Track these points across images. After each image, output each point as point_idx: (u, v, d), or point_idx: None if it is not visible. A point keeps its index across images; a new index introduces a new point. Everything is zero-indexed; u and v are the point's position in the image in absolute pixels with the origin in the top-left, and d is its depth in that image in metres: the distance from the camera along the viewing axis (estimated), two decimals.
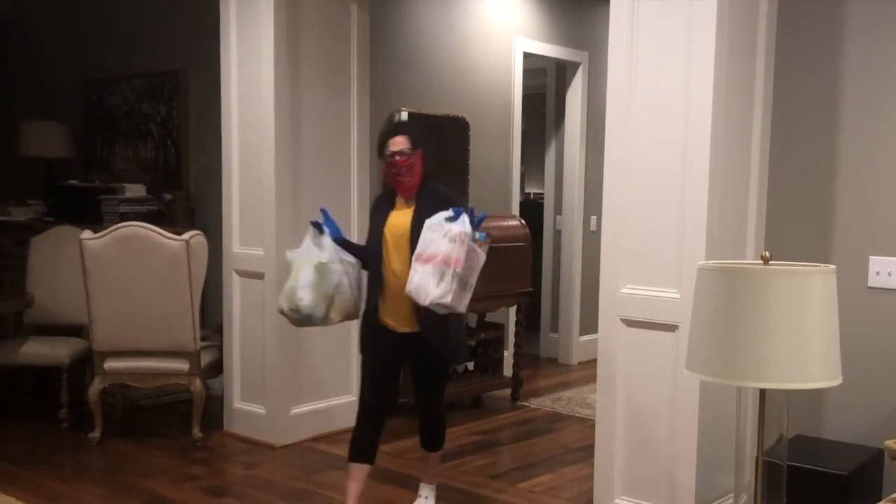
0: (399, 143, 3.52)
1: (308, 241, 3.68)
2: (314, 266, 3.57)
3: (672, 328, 3.46)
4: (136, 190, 5.82)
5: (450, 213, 3.33)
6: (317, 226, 3.68)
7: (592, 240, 6.97)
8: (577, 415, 5.66)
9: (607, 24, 3.61)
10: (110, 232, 4.68)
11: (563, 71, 7.30)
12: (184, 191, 5.89)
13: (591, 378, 5.35)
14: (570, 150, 7.25)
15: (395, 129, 3.66)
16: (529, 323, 6.52)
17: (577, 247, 7.21)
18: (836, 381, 2.21)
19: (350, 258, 3.67)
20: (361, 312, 3.70)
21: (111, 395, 5.28)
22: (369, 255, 3.65)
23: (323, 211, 3.73)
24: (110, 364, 4.76)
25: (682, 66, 3.40)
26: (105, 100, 6.44)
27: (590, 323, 6.65)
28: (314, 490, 4.21)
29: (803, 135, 3.77)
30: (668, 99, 3.44)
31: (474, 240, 3.31)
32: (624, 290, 3.60)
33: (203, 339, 4.99)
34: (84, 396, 4.95)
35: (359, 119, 5.16)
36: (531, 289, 6.02)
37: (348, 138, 5.13)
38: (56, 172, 6.48)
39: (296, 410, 4.91)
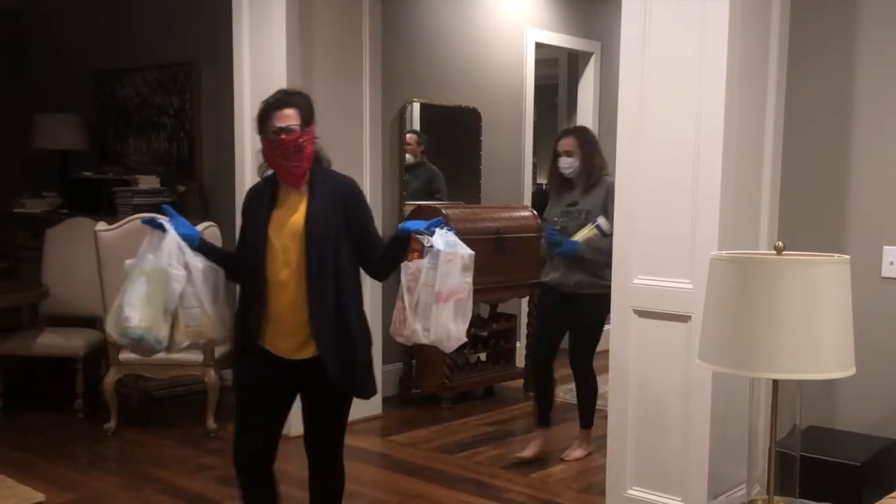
0: (287, 116, 2.83)
1: (144, 245, 2.95)
2: (145, 274, 2.85)
3: (685, 319, 3.45)
4: (149, 182, 5.84)
5: (445, 231, 2.87)
6: (154, 224, 2.94)
7: None
8: None
9: (620, 13, 3.60)
10: (124, 224, 4.71)
11: (575, 61, 7.29)
12: (197, 182, 5.91)
13: (603, 369, 5.35)
14: None
15: (282, 99, 2.90)
16: None
17: None
18: (850, 372, 2.20)
19: (200, 262, 2.95)
20: (225, 335, 3.11)
21: (126, 385, 5.32)
22: (241, 263, 2.96)
23: (165, 208, 3.06)
24: (125, 355, 4.79)
25: (695, 57, 3.38)
26: (118, 92, 6.46)
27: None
28: None
29: (817, 124, 3.75)
30: (680, 88, 3.43)
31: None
32: (636, 281, 3.60)
33: None
34: (99, 387, 4.99)
35: (370, 110, 5.16)
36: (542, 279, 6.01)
37: (360, 129, 5.13)
38: (70, 164, 6.51)
39: None
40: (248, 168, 4.97)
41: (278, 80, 4.73)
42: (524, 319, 6.22)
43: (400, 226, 2.96)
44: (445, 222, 2.93)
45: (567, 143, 4.45)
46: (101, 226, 4.74)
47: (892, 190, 3.58)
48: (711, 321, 2.26)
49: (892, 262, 3.58)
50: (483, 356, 5.94)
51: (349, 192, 2.95)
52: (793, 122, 3.74)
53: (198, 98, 5.96)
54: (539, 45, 6.80)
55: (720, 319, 2.23)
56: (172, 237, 2.90)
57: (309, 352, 2.86)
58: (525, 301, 6.22)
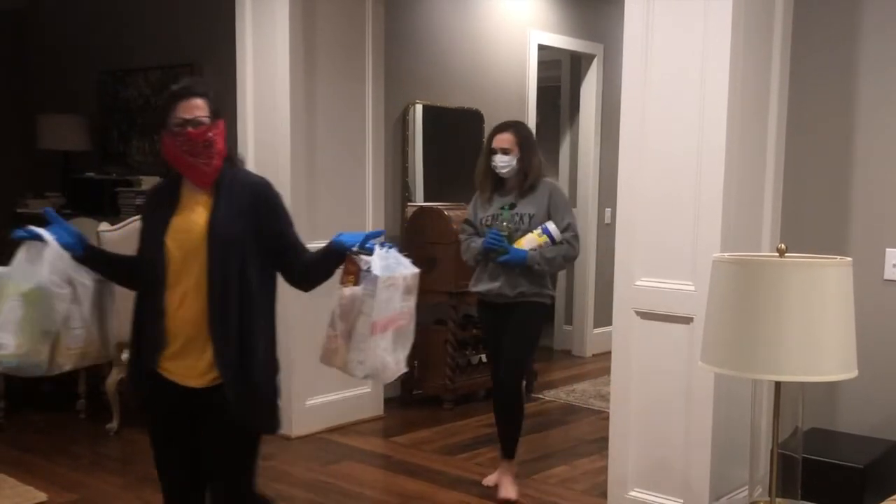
0: (195, 107, 2.49)
1: (19, 257, 2.52)
2: (21, 294, 2.44)
3: (687, 320, 3.45)
4: (152, 182, 5.83)
5: (385, 251, 2.51)
6: (31, 236, 2.53)
7: (607, 232, 6.95)
8: (591, 407, 5.66)
9: (622, 16, 3.61)
10: (127, 224, 4.71)
11: (577, 63, 7.29)
12: None
13: (605, 370, 5.35)
14: (584, 143, 7.24)
15: (189, 87, 2.54)
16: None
17: (591, 239, 7.20)
18: (852, 374, 2.20)
19: (87, 277, 2.55)
20: (113, 354, 2.83)
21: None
22: (137, 272, 2.59)
23: (47, 211, 2.64)
24: (127, 355, 4.78)
25: (698, 59, 3.38)
26: (121, 92, 6.46)
27: (604, 315, 6.64)
28: (329, 481, 4.24)
29: (819, 126, 3.75)
30: (683, 90, 3.43)
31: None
32: (639, 283, 3.60)
33: None
34: (101, 388, 4.99)
35: (373, 111, 5.17)
36: None
37: (363, 131, 5.14)
38: (73, 165, 6.52)
39: (311, 402, 4.93)
40: (250, 169, 4.96)
41: (281, 80, 4.75)
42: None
43: (334, 238, 2.58)
44: (386, 242, 2.57)
45: (504, 140, 3.99)
46: (104, 226, 4.74)
47: (894, 192, 3.58)
48: (714, 323, 2.26)
49: (894, 265, 3.58)
50: (484, 358, 5.93)
51: (262, 193, 2.58)
52: (795, 124, 3.74)
53: None
54: (542, 47, 6.80)
55: (722, 321, 2.23)
56: (53, 249, 2.48)
57: (208, 378, 2.49)
58: None
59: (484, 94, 6.37)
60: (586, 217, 7.20)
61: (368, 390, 5.26)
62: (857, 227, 3.67)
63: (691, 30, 3.40)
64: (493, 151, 4.01)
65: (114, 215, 5.46)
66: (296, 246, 2.63)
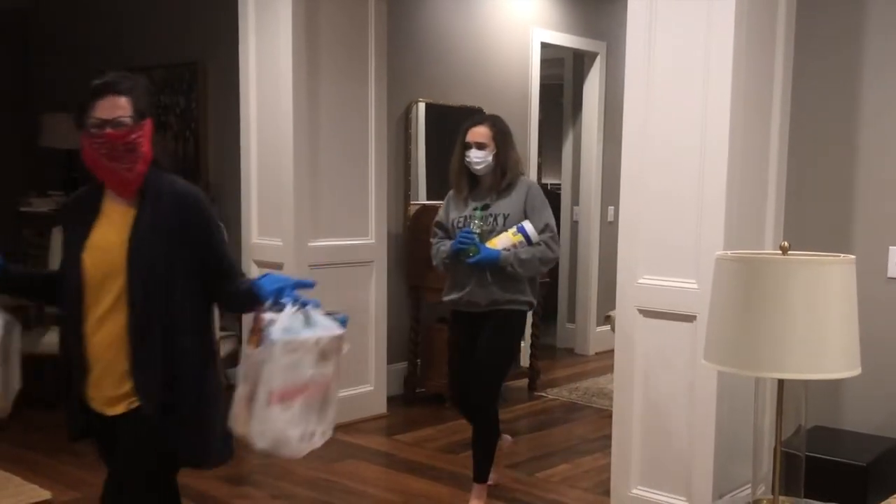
0: (116, 106, 2.24)
1: None
2: None
3: (690, 318, 3.45)
4: None
5: (295, 311, 2.18)
6: None
7: (609, 230, 6.96)
8: (594, 405, 5.66)
9: (625, 13, 3.61)
10: None
11: (580, 61, 7.29)
12: (203, 182, 5.92)
13: (608, 368, 5.36)
14: (587, 141, 7.24)
15: (110, 84, 2.28)
16: (546, 313, 6.52)
17: (594, 237, 7.20)
18: (855, 372, 2.20)
19: None
20: (9, 403, 2.56)
21: None
22: (58, 289, 2.36)
23: None
24: None
25: (701, 56, 3.38)
26: None
27: (607, 313, 6.64)
28: (332, 479, 4.24)
29: (822, 123, 3.75)
30: (686, 88, 3.43)
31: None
32: (641, 281, 3.60)
33: (222, 328, 5.02)
34: None
35: (376, 110, 5.17)
36: (548, 279, 6.03)
37: (366, 129, 5.14)
38: (76, 164, 6.52)
39: None
40: (254, 169, 5.00)
41: (284, 79, 4.75)
42: (529, 319, 6.22)
43: (256, 280, 2.29)
44: (292, 292, 2.21)
45: (480, 133, 3.72)
46: None
47: None
48: (717, 321, 2.26)
49: None
50: None
51: (191, 205, 2.32)
52: (798, 121, 3.74)
53: (204, 98, 5.97)
54: (544, 45, 6.80)
55: (725, 319, 2.23)
56: None
57: (130, 404, 2.29)
58: None
59: (487, 93, 6.37)
60: (589, 215, 7.20)
61: (371, 389, 5.27)
62: (861, 225, 3.67)
63: (694, 27, 3.40)
64: (467, 146, 3.74)
65: None
66: (225, 268, 2.37)
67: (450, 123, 6.16)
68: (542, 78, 6.85)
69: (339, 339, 2.24)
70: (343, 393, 5.06)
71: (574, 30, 6.99)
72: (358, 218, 5.12)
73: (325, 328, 2.21)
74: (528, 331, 6.21)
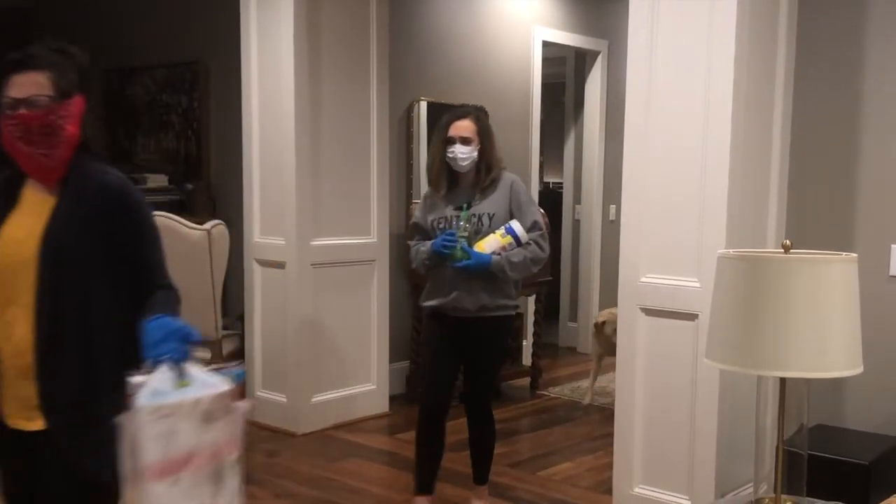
0: (31, 84, 1.99)
1: None
2: None
3: (692, 317, 3.45)
4: (157, 180, 5.87)
5: (166, 369, 1.85)
6: None
7: (611, 229, 6.95)
8: (596, 403, 5.66)
9: (627, 12, 3.60)
10: None
11: (582, 59, 7.28)
12: (205, 181, 5.93)
13: (610, 367, 5.36)
14: (589, 140, 7.24)
15: (24, 60, 2.02)
16: (548, 312, 6.52)
17: (595, 236, 7.20)
18: (857, 370, 2.20)
19: None
20: None
21: None
22: None
23: None
24: None
25: (703, 54, 3.38)
26: (127, 90, 6.48)
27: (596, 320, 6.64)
28: (335, 478, 4.25)
29: (825, 122, 3.74)
30: (688, 86, 3.43)
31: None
32: (644, 279, 3.60)
33: (225, 327, 5.02)
34: None
35: (378, 109, 5.17)
36: (550, 278, 6.02)
37: (367, 128, 5.14)
38: None
39: (317, 399, 4.94)
40: (255, 168, 5.00)
41: (286, 78, 4.75)
42: (531, 318, 6.23)
43: (148, 323, 1.96)
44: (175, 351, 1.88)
45: (464, 127, 3.47)
46: None
47: None
48: (719, 319, 2.26)
49: None
50: None
51: (117, 197, 2.08)
52: (800, 119, 3.74)
53: (206, 97, 5.98)
54: (546, 44, 6.79)
55: (728, 318, 2.23)
56: None
57: (40, 422, 2.03)
58: (532, 300, 6.22)
59: (488, 91, 6.37)
60: (591, 214, 7.21)
61: (373, 387, 5.27)
62: (863, 223, 3.67)
63: (696, 26, 3.40)
64: (449, 141, 3.48)
65: None
66: (154, 269, 2.15)
67: None
68: (544, 76, 6.84)
69: (225, 398, 1.90)
70: (345, 392, 5.08)
71: (576, 28, 6.99)
72: (360, 217, 5.13)
73: (207, 386, 1.89)
74: (529, 329, 6.22)
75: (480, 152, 3.50)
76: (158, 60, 6.22)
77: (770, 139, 3.64)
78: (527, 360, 6.19)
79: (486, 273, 3.42)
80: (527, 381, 6.06)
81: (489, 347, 3.61)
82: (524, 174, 6.75)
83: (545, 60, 6.84)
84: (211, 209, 5.80)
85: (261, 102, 4.93)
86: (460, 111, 3.60)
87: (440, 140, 3.53)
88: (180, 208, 5.62)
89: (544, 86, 6.87)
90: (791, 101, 3.70)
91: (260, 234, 5.01)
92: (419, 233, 3.62)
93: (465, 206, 3.47)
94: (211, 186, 5.93)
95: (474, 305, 3.48)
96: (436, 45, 6.04)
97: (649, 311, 3.60)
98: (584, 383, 6.20)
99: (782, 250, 2.26)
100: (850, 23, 3.65)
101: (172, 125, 6.21)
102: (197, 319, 4.75)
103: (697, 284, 3.43)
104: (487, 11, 6.37)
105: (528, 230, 3.47)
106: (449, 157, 3.49)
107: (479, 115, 3.59)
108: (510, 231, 3.42)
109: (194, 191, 5.82)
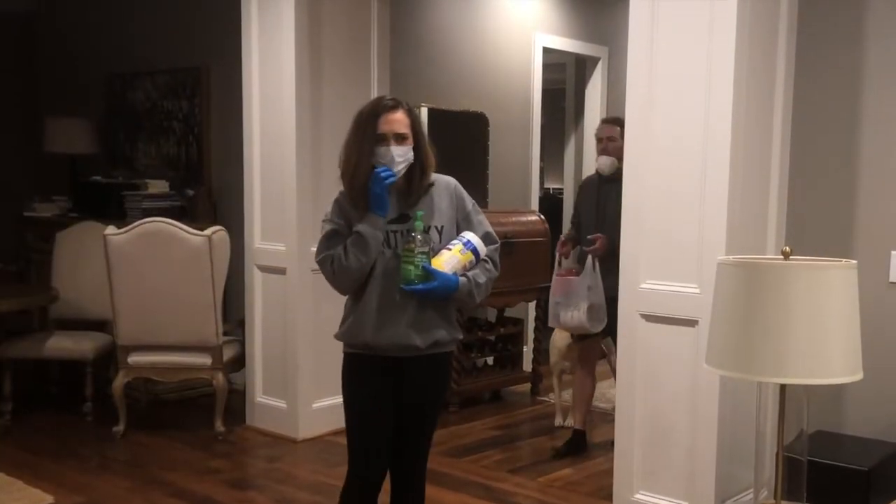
0: None
1: None
2: None
3: (692, 323, 3.46)
4: (158, 186, 5.87)
5: None
6: None
7: None
8: (597, 409, 5.65)
9: (627, 18, 3.61)
10: (134, 227, 4.73)
11: (582, 66, 7.30)
12: (206, 186, 5.93)
13: (605, 375, 5.36)
14: (589, 146, 7.23)
15: None
16: (548, 318, 6.51)
17: None
18: (857, 377, 2.21)
19: None
20: None
21: (135, 388, 5.34)
22: None
23: None
24: (134, 358, 4.81)
25: (703, 61, 3.39)
26: (128, 96, 6.49)
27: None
28: (335, 483, 4.23)
29: (824, 129, 3.75)
30: (688, 93, 3.44)
31: None
32: (644, 285, 3.61)
33: (225, 333, 5.03)
34: (108, 390, 5.01)
35: None
36: (550, 284, 6.02)
37: None
38: (80, 168, 6.54)
39: (317, 404, 4.94)
40: (256, 172, 5.00)
41: (287, 84, 4.76)
42: (531, 324, 6.23)
43: None
44: None
45: (399, 121, 2.75)
46: (111, 229, 4.77)
47: None
48: (719, 326, 2.27)
49: None
50: (490, 360, 5.94)
51: None
52: (800, 126, 3.75)
53: (207, 102, 5.99)
54: (547, 50, 6.81)
55: (728, 324, 2.24)
56: None
57: None
58: (532, 305, 6.22)
59: (489, 97, 6.38)
60: None
61: None
62: (863, 230, 3.67)
63: (696, 33, 3.41)
64: (380, 139, 2.73)
65: (120, 219, 5.48)
66: None
67: (452, 128, 6.19)
68: (545, 82, 6.86)
69: None
70: None
71: (576, 34, 7.00)
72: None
73: None
74: (530, 335, 6.22)
75: (415, 152, 2.79)
76: (160, 66, 6.23)
77: (770, 145, 3.65)
78: (527, 365, 6.19)
79: (441, 299, 2.77)
80: (527, 386, 6.06)
81: (436, 395, 2.92)
82: (524, 180, 6.77)
83: (546, 66, 6.85)
84: (212, 215, 5.80)
85: (262, 108, 4.94)
86: (388, 100, 2.81)
87: (366, 137, 2.75)
88: (181, 214, 5.63)
89: (545, 92, 6.89)
90: (791, 107, 3.71)
91: (261, 240, 5.02)
92: (339, 240, 2.79)
93: (418, 214, 2.75)
94: (212, 192, 5.94)
95: (425, 341, 2.77)
96: (437, 51, 6.05)
97: (649, 318, 3.60)
98: None
99: (782, 257, 2.26)
100: (851, 26, 3.66)
101: (173, 131, 6.22)
102: (197, 325, 4.76)
103: (697, 291, 3.43)
104: (488, 18, 6.39)
105: (484, 242, 2.86)
106: (379, 160, 2.73)
107: (410, 106, 2.84)
108: (470, 247, 2.80)
109: (195, 196, 5.83)
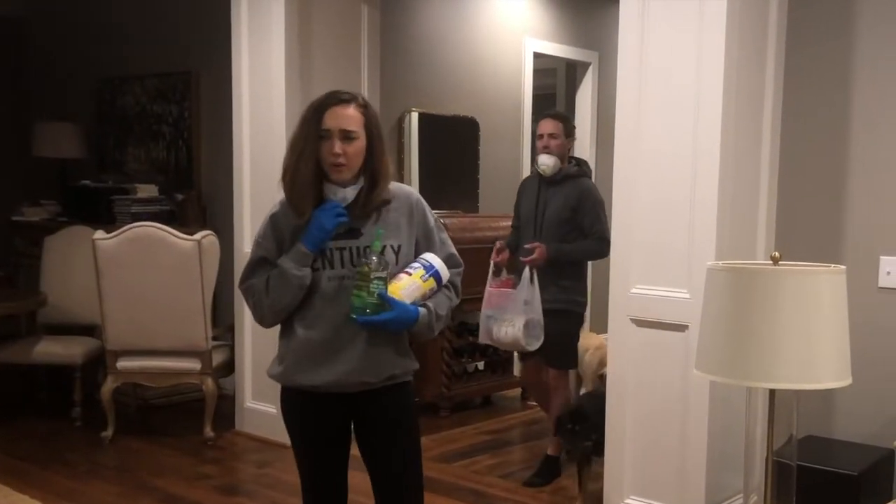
0: None
1: None
2: None
3: (682, 328, 3.46)
4: (148, 190, 5.85)
5: None
6: None
7: None
8: None
9: (617, 23, 3.62)
10: (123, 232, 4.72)
11: (573, 71, 7.32)
12: (195, 191, 5.92)
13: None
14: (579, 151, 7.22)
15: None
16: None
17: None
18: (846, 382, 2.21)
19: None
20: None
21: (124, 394, 5.31)
22: None
23: None
24: (123, 363, 4.79)
25: (693, 66, 3.40)
26: (118, 100, 6.47)
27: (599, 323, 6.64)
28: None
29: (813, 134, 3.76)
30: (678, 98, 3.45)
31: None
32: (634, 290, 3.61)
33: (215, 338, 5.01)
34: (97, 395, 4.99)
35: None
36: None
37: None
38: (69, 173, 6.52)
39: None
40: (246, 177, 4.99)
41: (277, 89, 4.75)
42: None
43: None
44: None
45: (349, 117, 2.38)
46: (100, 234, 4.75)
47: (889, 200, 3.60)
48: (709, 331, 2.27)
49: (888, 273, 3.59)
50: (481, 365, 5.93)
51: None
52: (790, 131, 3.76)
53: (197, 107, 5.98)
54: (537, 55, 6.82)
55: (717, 329, 2.24)
56: None
57: None
58: None
59: (479, 102, 6.39)
60: None
61: None
62: (852, 235, 3.68)
63: (686, 38, 3.41)
64: (325, 135, 2.37)
65: (110, 223, 5.46)
66: None
67: (443, 133, 6.20)
68: (535, 87, 6.87)
69: None
70: None
71: (566, 40, 7.02)
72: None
73: None
74: None
75: (368, 156, 2.42)
76: (149, 70, 6.21)
77: (759, 150, 3.66)
78: (517, 370, 6.19)
79: (397, 332, 2.43)
80: (517, 391, 6.06)
81: (405, 434, 2.54)
82: (515, 185, 6.75)
83: (536, 71, 6.87)
84: (201, 219, 5.79)
85: (251, 112, 4.93)
86: (342, 94, 2.43)
87: (308, 134, 2.40)
88: (170, 218, 5.61)
89: (535, 97, 6.90)
90: (780, 112, 3.72)
91: (250, 245, 5.00)
92: (269, 266, 2.46)
93: (378, 233, 2.38)
94: (201, 196, 5.92)
95: (379, 375, 2.43)
96: (427, 57, 6.06)
97: (639, 322, 3.60)
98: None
99: (771, 262, 2.27)
100: (839, 36, 3.67)
101: (163, 135, 6.20)
102: (187, 330, 4.75)
103: (687, 296, 3.43)
104: (479, 23, 6.40)
105: (447, 267, 2.50)
106: (332, 161, 2.36)
107: (369, 104, 2.49)
108: (432, 271, 2.43)
109: (185, 201, 5.81)
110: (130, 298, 4.71)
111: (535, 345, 4.16)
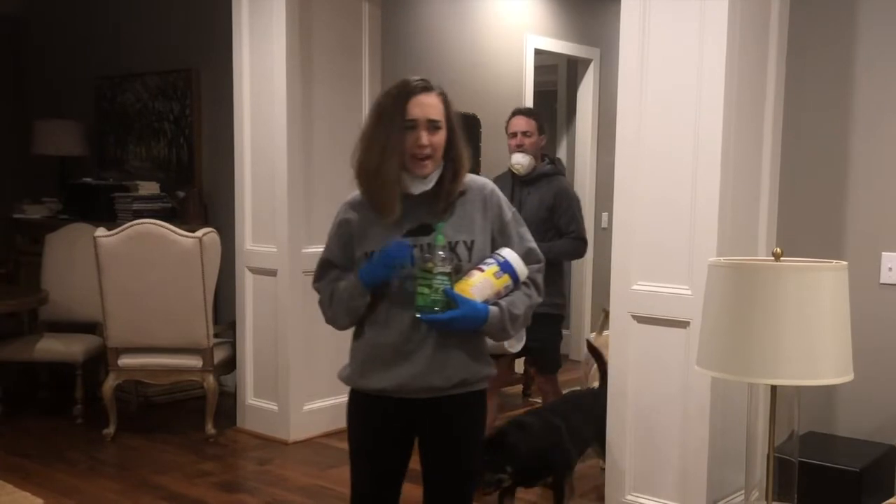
0: None
1: None
2: None
3: (683, 324, 3.46)
4: (149, 187, 5.85)
5: None
6: None
7: (603, 236, 6.96)
8: None
9: (619, 20, 3.61)
10: (124, 229, 4.71)
11: (574, 67, 7.30)
12: (197, 188, 5.91)
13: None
14: (581, 147, 7.25)
15: None
16: None
17: (588, 243, 7.19)
18: (848, 378, 2.21)
19: None
20: None
21: (125, 391, 5.32)
22: None
23: None
24: (124, 361, 4.79)
25: (694, 63, 3.39)
26: (118, 98, 6.47)
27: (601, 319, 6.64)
28: (327, 486, 4.23)
29: (815, 130, 3.76)
30: (679, 95, 3.44)
31: None
32: (635, 287, 3.61)
33: (216, 335, 5.01)
34: (98, 392, 4.99)
35: None
36: None
37: None
38: (70, 170, 6.52)
39: (308, 406, 4.93)
40: (247, 174, 4.99)
41: (278, 86, 4.75)
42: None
43: None
44: None
45: (433, 106, 2.26)
46: (101, 231, 4.75)
47: (890, 196, 3.59)
48: (710, 327, 2.27)
49: (890, 269, 3.59)
50: None
51: None
52: (791, 128, 3.75)
53: (198, 104, 5.97)
54: (538, 52, 6.81)
55: (719, 325, 2.23)
56: None
57: None
58: None
59: (480, 99, 6.38)
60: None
61: None
62: (853, 231, 3.68)
63: (687, 34, 3.41)
64: (411, 126, 2.23)
65: (110, 221, 5.46)
66: None
67: None
68: (536, 84, 6.86)
69: None
70: (337, 399, 5.06)
71: (568, 36, 7.01)
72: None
73: None
74: None
75: (447, 149, 2.29)
76: (150, 68, 6.21)
77: (761, 146, 3.66)
78: (519, 367, 6.18)
79: (466, 331, 2.28)
80: (519, 388, 6.05)
81: (469, 444, 2.40)
82: None
83: (537, 68, 6.85)
84: (202, 217, 5.79)
85: (252, 110, 4.93)
86: (417, 80, 2.29)
87: (393, 124, 2.23)
88: (172, 216, 5.61)
89: (536, 93, 6.89)
90: (782, 108, 3.71)
91: (251, 242, 5.01)
92: (335, 271, 2.40)
93: (437, 226, 2.25)
94: (202, 194, 5.92)
95: (448, 380, 2.30)
96: (428, 53, 6.05)
97: (641, 319, 3.60)
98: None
99: (773, 258, 2.26)
100: (841, 32, 3.67)
101: (164, 132, 6.20)
102: (188, 327, 4.75)
103: (689, 292, 3.43)
104: (480, 19, 6.39)
105: (525, 261, 2.35)
106: (418, 154, 2.22)
107: (444, 90, 2.32)
108: (506, 268, 2.30)
109: (186, 198, 5.81)
110: (132, 296, 4.70)
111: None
